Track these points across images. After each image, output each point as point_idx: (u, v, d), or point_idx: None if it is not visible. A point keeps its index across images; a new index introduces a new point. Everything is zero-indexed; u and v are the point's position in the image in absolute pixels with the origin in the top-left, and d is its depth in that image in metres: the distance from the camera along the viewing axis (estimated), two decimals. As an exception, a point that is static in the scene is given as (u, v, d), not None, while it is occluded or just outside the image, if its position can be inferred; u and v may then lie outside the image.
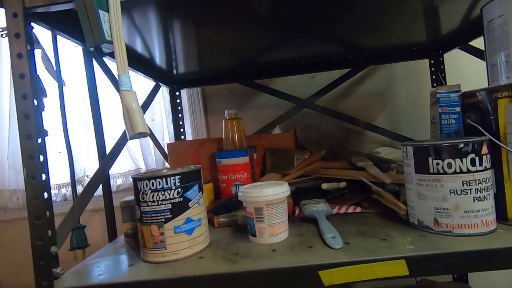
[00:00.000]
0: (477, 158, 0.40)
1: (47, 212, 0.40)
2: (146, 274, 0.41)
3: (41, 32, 0.50)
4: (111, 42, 0.39)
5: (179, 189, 0.44)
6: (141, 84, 1.05)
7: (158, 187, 0.43)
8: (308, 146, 1.05)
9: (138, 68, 0.79)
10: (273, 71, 1.03)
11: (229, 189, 0.70)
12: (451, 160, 0.40)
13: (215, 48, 0.78)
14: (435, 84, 1.03)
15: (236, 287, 0.38)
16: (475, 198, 0.40)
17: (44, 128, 0.42)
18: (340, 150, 0.96)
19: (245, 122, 1.17)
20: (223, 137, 0.75)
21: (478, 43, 0.87)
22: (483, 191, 0.40)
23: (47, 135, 0.43)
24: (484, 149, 0.41)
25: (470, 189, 0.40)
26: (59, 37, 0.65)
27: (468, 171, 0.40)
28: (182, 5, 0.49)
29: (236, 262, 0.41)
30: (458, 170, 0.40)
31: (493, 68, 0.46)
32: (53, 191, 1.17)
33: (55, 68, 0.79)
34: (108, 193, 0.66)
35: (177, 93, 1.07)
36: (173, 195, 0.44)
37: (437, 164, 0.41)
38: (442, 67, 1.01)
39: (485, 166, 0.40)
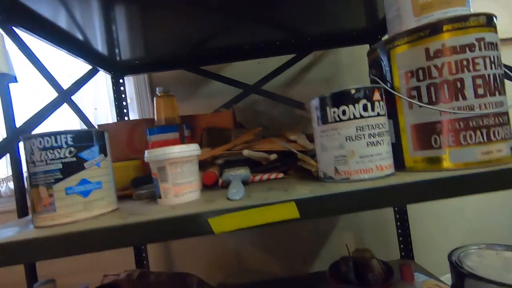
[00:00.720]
0: (369, 104, 0.41)
1: None
2: (28, 235, 0.37)
3: None
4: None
5: (72, 148, 0.41)
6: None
7: (47, 145, 0.40)
8: (264, 131, 1.05)
9: (72, 50, 0.76)
10: (219, 57, 1.03)
11: (159, 167, 0.67)
12: (345, 107, 0.41)
13: (159, 33, 0.77)
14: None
15: (118, 239, 0.36)
16: (369, 143, 0.41)
17: None
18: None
19: (196, 110, 1.16)
20: (155, 115, 0.72)
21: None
22: (376, 136, 0.41)
23: None
24: (376, 96, 0.41)
25: (364, 134, 0.41)
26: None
27: (361, 117, 0.41)
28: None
29: (126, 218, 0.38)
30: (351, 116, 0.41)
31: (389, 24, 0.47)
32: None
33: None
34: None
35: (121, 80, 1.04)
36: (64, 154, 0.41)
37: (334, 112, 0.42)
38: (381, 51, 1.05)
39: (378, 112, 0.41)
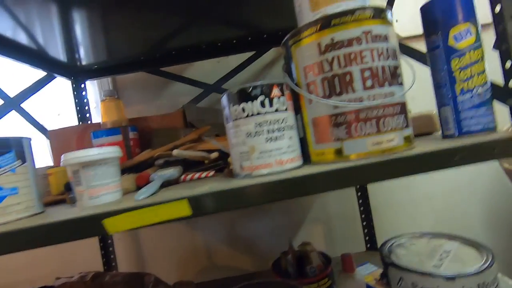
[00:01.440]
0: (267, 100, 0.42)
1: None
2: None
3: None
4: None
5: (-18, 156, 0.43)
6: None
7: (-44, 154, 0.42)
8: (218, 130, 1.06)
9: (23, 59, 0.76)
10: (177, 57, 1.03)
11: (103, 170, 0.69)
12: (244, 104, 0.42)
13: (118, 36, 0.78)
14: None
15: (13, 243, 0.37)
16: (267, 139, 0.41)
17: None
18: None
19: (161, 110, 1.17)
20: (101, 119, 0.73)
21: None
22: (276, 131, 0.42)
23: None
24: (275, 92, 0.42)
25: (262, 130, 0.41)
26: None
27: (259, 113, 0.41)
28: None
29: (33, 222, 0.39)
30: (250, 113, 0.42)
31: (297, 20, 0.48)
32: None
33: None
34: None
35: (82, 85, 1.05)
36: (-26, 161, 0.42)
37: (235, 110, 0.43)
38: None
39: (277, 108, 0.42)
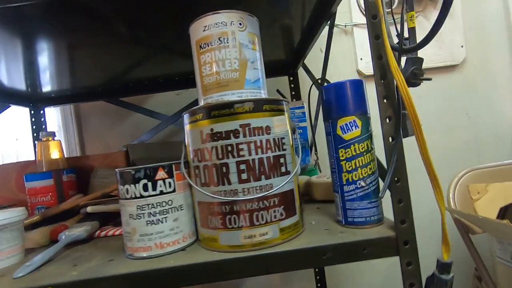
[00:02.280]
0: (150, 184, 0.42)
1: None
2: None
3: None
4: None
5: None
6: None
7: None
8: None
9: None
10: (135, 89, 1.04)
11: (33, 213, 0.69)
12: (128, 186, 0.42)
13: (76, 65, 0.79)
14: (294, 100, 1.07)
15: None
16: (148, 222, 0.42)
17: None
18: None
19: (122, 141, 1.17)
20: (37, 160, 0.74)
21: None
22: (158, 214, 0.42)
23: None
24: (160, 175, 0.42)
25: (143, 213, 0.42)
26: None
27: (141, 196, 0.42)
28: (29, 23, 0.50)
29: None
30: (133, 196, 0.42)
31: (199, 95, 0.48)
32: None
33: None
34: None
35: (41, 112, 1.06)
36: None
37: (121, 189, 0.43)
38: (298, 82, 1.06)
39: (161, 191, 0.42)
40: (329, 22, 0.67)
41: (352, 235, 0.40)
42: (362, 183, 0.42)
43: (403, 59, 0.51)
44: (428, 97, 1.18)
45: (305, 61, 0.95)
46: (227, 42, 0.42)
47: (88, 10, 0.49)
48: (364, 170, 0.42)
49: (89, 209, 0.59)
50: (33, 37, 0.58)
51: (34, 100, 1.03)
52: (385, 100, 0.39)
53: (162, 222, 0.42)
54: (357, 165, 0.42)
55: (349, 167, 0.42)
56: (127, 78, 0.96)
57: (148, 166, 0.42)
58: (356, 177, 0.42)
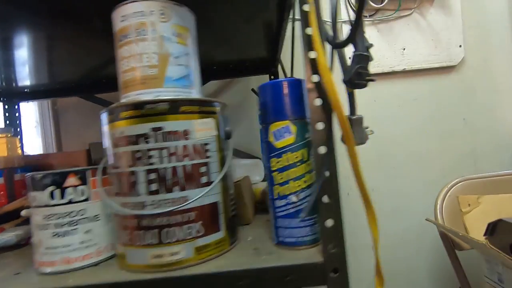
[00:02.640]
0: (57, 191, 0.38)
1: None
2: None
3: None
4: None
5: None
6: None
7: None
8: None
9: None
10: (110, 85, 1.01)
11: (-17, 212, 0.66)
12: (35, 193, 0.38)
13: (50, 60, 0.76)
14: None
15: None
16: (55, 234, 0.37)
17: None
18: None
19: (99, 138, 1.14)
20: (-8, 156, 0.71)
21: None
22: (65, 225, 0.38)
23: None
24: (71, 181, 0.38)
25: (49, 224, 0.37)
26: None
27: (47, 205, 0.38)
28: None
29: None
30: (39, 204, 0.38)
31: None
32: None
33: None
34: None
35: (16, 107, 1.04)
36: None
37: (30, 196, 0.39)
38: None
39: (70, 199, 0.38)
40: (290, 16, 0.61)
41: (276, 259, 0.34)
42: (294, 198, 0.36)
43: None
44: (422, 101, 1.10)
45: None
46: (146, 34, 0.37)
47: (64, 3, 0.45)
48: (297, 183, 0.36)
49: (23, 213, 0.55)
50: (6, 31, 0.55)
51: (8, 95, 1.01)
52: (316, 103, 0.33)
53: (70, 235, 0.38)
54: (289, 177, 0.36)
55: (280, 179, 0.37)
56: (102, 74, 0.93)
57: (57, 172, 0.38)
58: (287, 191, 0.36)
